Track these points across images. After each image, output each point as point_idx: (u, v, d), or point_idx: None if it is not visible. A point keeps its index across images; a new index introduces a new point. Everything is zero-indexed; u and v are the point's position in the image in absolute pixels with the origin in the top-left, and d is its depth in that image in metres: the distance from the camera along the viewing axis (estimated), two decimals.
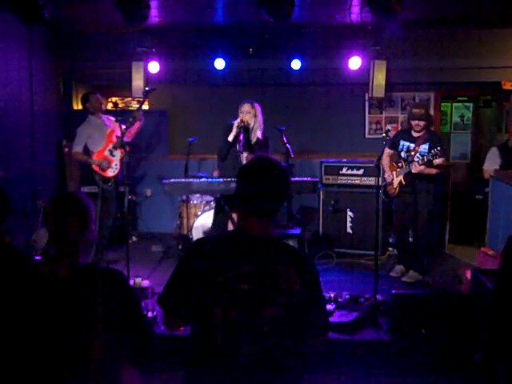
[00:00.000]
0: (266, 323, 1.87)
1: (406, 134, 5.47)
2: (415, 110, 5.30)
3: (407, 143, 5.37)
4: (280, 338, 1.90)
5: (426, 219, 5.42)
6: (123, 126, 5.73)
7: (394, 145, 5.49)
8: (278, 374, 1.91)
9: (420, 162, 5.09)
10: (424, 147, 5.25)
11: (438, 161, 5.06)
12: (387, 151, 5.52)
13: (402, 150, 5.40)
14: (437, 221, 6.58)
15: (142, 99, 6.08)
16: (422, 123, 5.24)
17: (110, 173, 5.82)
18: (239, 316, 1.87)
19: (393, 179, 5.47)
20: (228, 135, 5.15)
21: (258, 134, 5.21)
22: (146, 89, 5.94)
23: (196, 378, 1.96)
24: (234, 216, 5.00)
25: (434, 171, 5.17)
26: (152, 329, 2.04)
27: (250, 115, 5.14)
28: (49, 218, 1.99)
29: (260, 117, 5.22)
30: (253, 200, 1.98)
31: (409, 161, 5.29)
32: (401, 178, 5.36)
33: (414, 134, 5.34)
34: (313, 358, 2.09)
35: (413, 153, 5.30)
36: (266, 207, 1.98)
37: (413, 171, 5.16)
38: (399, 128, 7.14)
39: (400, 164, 5.38)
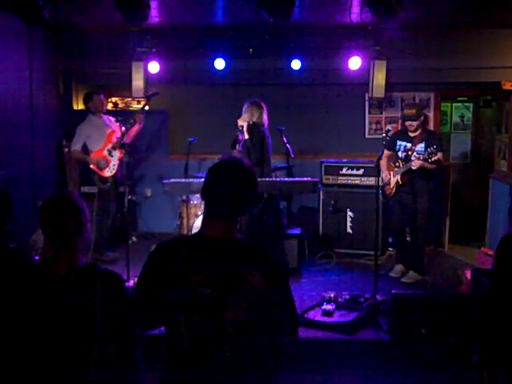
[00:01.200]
0: (230, 325, 1.86)
1: (403, 134, 5.49)
2: (406, 111, 5.35)
3: (404, 143, 5.40)
4: (247, 339, 1.89)
5: (423, 219, 5.43)
6: (123, 128, 5.75)
7: (391, 146, 5.51)
8: (250, 375, 1.91)
9: (421, 157, 5.11)
10: (421, 146, 5.28)
11: (434, 158, 5.07)
12: (386, 153, 5.54)
13: (399, 150, 5.42)
14: (435, 220, 6.59)
15: (144, 102, 6.10)
16: (414, 123, 5.28)
17: (108, 173, 5.83)
18: (203, 320, 1.86)
19: (390, 179, 5.48)
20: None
21: (257, 132, 5.26)
22: (149, 92, 5.96)
23: (171, 380, 1.96)
24: None
25: (433, 166, 5.19)
26: (134, 338, 2.03)
27: (247, 118, 5.24)
28: (43, 221, 1.98)
29: (264, 116, 5.30)
30: (216, 201, 1.96)
31: (406, 160, 5.31)
32: (398, 177, 5.37)
33: (411, 134, 5.37)
34: (284, 358, 2.08)
35: (410, 152, 5.32)
36: (229, 210, 1.95)
37: (413, 167, 5.17)
38: (399, 128, 7.15)
39: (397, 164, 5.40)
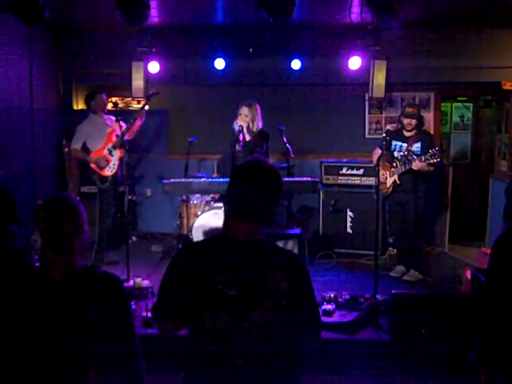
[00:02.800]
0: (255, 327, 1.86)
1: (397, 134, 5.51)
2: (408, 109, 5.42)
3: (399, 143, 5.43)
4: (271, 340, 1.89)
5: (422, 217, 5.44)
6: (123, 126, 5.74)
7: (386, 145, 5.52)
8: (274, 376, 1.91)
9: (423, 158, 5.11)
10: (417, 146, 5.33)
11: (435, 160, 5.08)
12: (378, 152, 5.56)
13: (395, 150, 5.44)
14: (434, 218, 6.60)
15: (144, 101, 6.10)
16: (413, 122, 5.34)
17: (108, 172, 5.83)
18: (228, 321, 1.87)
19: (386, 178, 5.48)
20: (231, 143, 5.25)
21: (255, 131, 5.26)
22: (149, 92, 5.96)
23: (194, 381, 1.96)
24: None
25: (432, 169, 5.21)
26: (134, 341, 2.03)
27: (248, 118, 5.24)
28: (40, 223, 1.97)
29: (258, 117, 5.29)
30: (241, 203, 1.96)
31: (403, 160, 5.33)
32: (395, 177, 5.39)
33: (406, 134, 5.42)
34: (308, 359, 2.09)
35: (406, 152, 5.36)
36: (255, 211, 1.95)
37: (414, 168, 5.19)
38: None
39: (394, 164, 5.41)
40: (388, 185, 5.47)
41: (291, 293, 1.90)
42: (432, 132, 7.24)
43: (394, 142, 5.45)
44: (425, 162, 5.11)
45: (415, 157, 5.24)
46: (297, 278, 1.94)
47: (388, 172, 5.47)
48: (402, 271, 5.59)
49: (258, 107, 5.42)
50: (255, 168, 2.00)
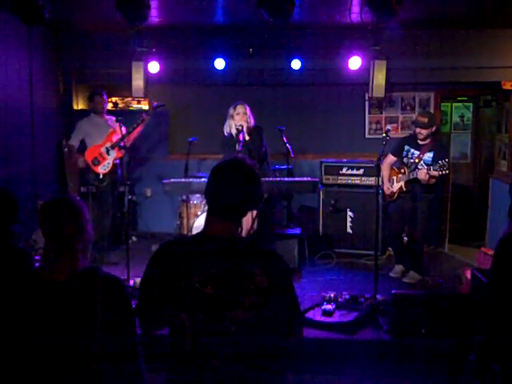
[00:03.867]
0: (234, 325, 1.86)
1: (412, 140, 5.44)
2: (419, 118, 5.31)
3: (412, 150, 5.36)
4: (251, 338, 1.88)
5: (422, 224, 5.40)
6: (124, 130, 5.75)
7: (398, 150, 5.49)
8: (254, 376, 1.90)
9: (431, 169, 5.04)
10: (428, 155, 5.24)
11: (444, 172, 5.00)
12: (391, 159, 5.52)
13: (406, 156, 5.38)
14: (434, 221, 6.60)
15: (144, 101, 6.13)
16: (424, 132, 5.23)
17: (101, 169, 5.86)
18: (206, 320, 1.86)
19: (392, 183, 5.48)
20: (227, 143, 5.29)
21: (250, 129, 5.30)
22: (154, 105, 5.97)
23: (176, 380, 1.96)
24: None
25: (433, 181, 5.16)
26: (136, 341, 2.03)
27: (247, 116, 5.26)
28: (43, 223, 1.97)
29: (251, 116, 5.34)
30: (219, 202, 1.96)
31: (412, 168, 5.29)
32: (402, 183, 5.36)
33: (420, 142, 5.32)
34: (291, 358, 2.07)
35: (417, 160, 5.28)
36: (232, 210, 1.95)
37: (418, 177, 5.11)
38: (399, 128, 7.17)
39: (402, 170, 5.38)
40: (394, 190, 5.44)
41: (271, 291, 1.88)
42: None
43: (406, 148, 5.39)
44: (433, 172, 5.01)
45: (425, 166, 5.17)
46: (276, 275, 1.93)
47: (395, 177, 5.45)
48: (402, 270, 5.58)
49: (247, 106, 5.46)
50: (233, 167, 1.99)
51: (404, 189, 5.35)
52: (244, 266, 1.90)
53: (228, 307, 1.86)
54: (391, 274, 5.62)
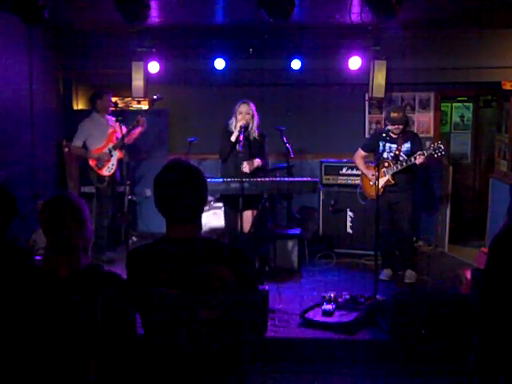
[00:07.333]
0: (205, 325, 1.86)
1: (384, 136, 5.41)
2: (394, 115, 5.33)
3: (388, 144, 5.39)
4: (221, 338, 1.89)
5: (409, 216, 5.45)
6: (124, 129, 5.75)
7: (370, 147, 5.58)
8: (223, 374, 1.91)
9: (425, 153, 5.13)
10: (406, 146, 5.37)
11: (438, 154, 5.13)
12: (361, 154, 5.64)
13: (384, 151, 5.40)
14: (433, 218, 6.64)
15: (145, 102, 6.12)
16: (401, 127, 5.34)
17: (106, 172, 5.85)
18: (174, 321, 1.87)
19: (376, 180, 5.47)
20: (225, 136, 5.17)
21: (255, 132, 5.24)
22: (154, 97, 5.96)
23: (146, 381, 1.97)
24: (246, 214, 5.02)
25: (426, 162, 5.27)
26: (137, 341, 2.04)
27: (250, 116, 5.18)
28: (44, 221, 1.98)
29: (256, 116, 5.26)
30: (167, 208, 1.96)
31: (395, 160, 5.35)
32: (388, 177, 5.38)
33: (393, 136, 5.38)
34: (252, 358, 2.08)
35: (397, 152, 5.38)
36: (183, 212, 1.96)
37: (417, 162, 5.16)
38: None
39: (386, 164, 5.39)
40: (380, 186, 5.44)
41: (238, 288, 1.89)
42: (432, 132, 7.28)
43: (381, 143, 5.39)
44: (429, 156, 5.13)
45: (405, 156, 5.29)
46: (242, 272, 1.93)
47: (380, 172, 5.45)
48: (390, 275, 5.57)
49: (253, 106, 5.38)
50: (170, 170, 2.01)
51: (392, 181, 5.38)
52: (208, 265, 1.90)
53: (196, 308, 1.86)
54: (381, 277, 5.47)
